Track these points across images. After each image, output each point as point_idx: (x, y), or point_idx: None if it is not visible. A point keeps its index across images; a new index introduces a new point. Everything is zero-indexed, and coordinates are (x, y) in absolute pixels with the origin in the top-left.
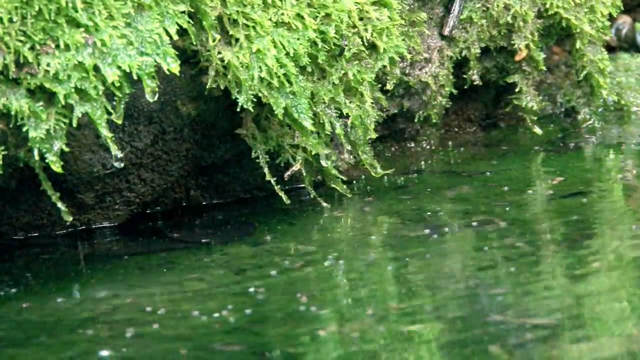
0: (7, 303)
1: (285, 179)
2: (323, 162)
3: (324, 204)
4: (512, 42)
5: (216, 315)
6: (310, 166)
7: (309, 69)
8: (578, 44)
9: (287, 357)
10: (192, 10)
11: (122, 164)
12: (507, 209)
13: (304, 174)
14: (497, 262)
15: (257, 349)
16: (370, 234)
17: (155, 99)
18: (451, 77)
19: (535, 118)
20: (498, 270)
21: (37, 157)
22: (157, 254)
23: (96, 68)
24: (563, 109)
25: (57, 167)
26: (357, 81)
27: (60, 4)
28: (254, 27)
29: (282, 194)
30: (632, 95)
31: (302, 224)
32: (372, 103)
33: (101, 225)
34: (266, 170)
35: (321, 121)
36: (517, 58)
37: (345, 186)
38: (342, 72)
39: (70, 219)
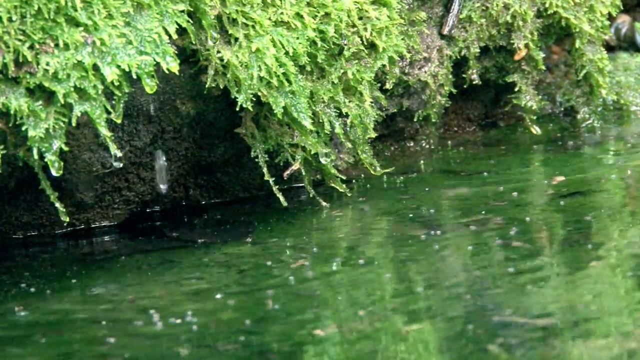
0: (6, 302)
1: (285, 178)
2: (322, 160)
3: (323, 203)
4: (512, 41)
5: (215, 314)
6: (310, 165)
7: (309, 68)
8: (577, 44)
9: (287, 357)
10: (192, 9)
11: (121, 164)
12: (506, 208)
13: (303, 173)
14: (496, 261)
15: (256, 348)
16: (369, 233)
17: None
18: (450, 76)
19: (535, 117)
20: (497, 270)
21: (36, 156)
22: (156, 253)
23: (95, 67)
24: (562, 109)
25: (56, 169)
26: (356, 80)
27: (59, 3)
28: (253, 27)
29: (280, 194)
30: (631, 94)
31: (301, 223)
32: (371, 102)
33: (100, 225)
34: (265, 169)
35: (320, 120)
36: (517, 57)
37: (344, 185)
38: (342, 71)
39: (67, 219)
